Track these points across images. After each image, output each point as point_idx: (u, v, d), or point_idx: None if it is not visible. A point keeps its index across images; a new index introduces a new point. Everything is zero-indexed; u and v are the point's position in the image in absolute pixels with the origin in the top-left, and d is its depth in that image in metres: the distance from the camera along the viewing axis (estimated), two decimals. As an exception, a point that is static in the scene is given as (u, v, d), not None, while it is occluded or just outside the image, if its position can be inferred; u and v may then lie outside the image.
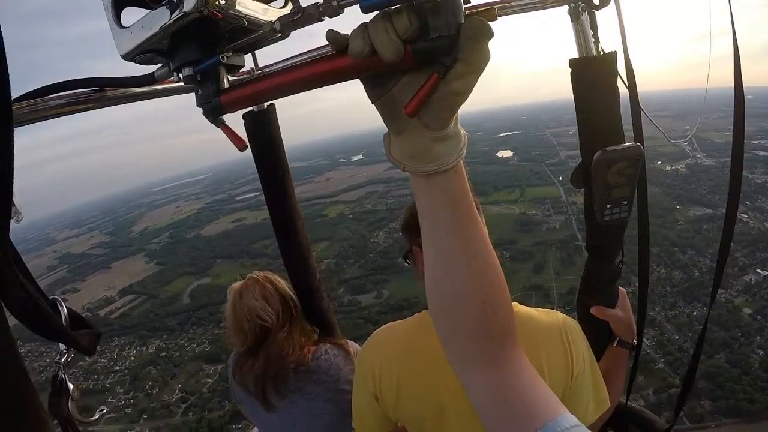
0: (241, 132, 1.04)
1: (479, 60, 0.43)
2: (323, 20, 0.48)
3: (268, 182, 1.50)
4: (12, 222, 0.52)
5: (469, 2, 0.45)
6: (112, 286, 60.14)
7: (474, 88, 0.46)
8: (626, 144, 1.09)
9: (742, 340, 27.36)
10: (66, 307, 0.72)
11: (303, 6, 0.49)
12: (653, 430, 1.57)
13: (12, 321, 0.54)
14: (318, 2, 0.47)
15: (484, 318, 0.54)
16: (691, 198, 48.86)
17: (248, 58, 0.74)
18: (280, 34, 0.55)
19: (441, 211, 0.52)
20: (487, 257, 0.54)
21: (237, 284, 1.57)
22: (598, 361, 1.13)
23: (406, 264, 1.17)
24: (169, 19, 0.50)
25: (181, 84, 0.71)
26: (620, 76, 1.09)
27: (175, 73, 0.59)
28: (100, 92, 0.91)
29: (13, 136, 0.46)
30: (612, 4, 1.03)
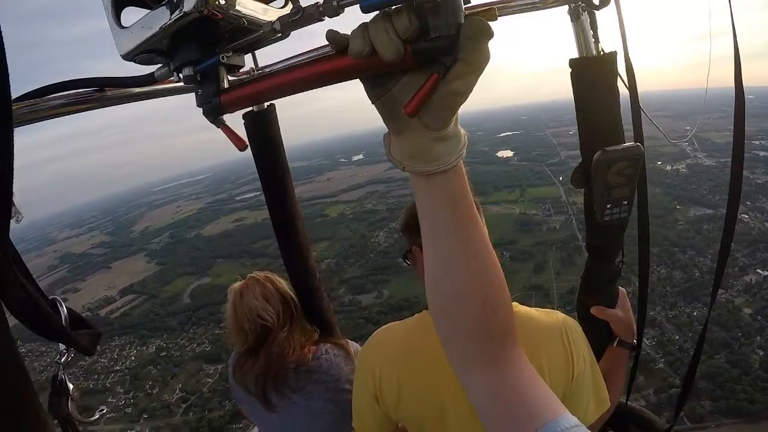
0: (241, 132, 1.04)
1: (479, 60, 0.43)
2: (323, 20, 0.48)
3: (268, 182, 1.50)
4: (12, 222, 0.52)
5: (469, 2, 0.45)
6: (113, 285, 60.15)
7: (474, 88, 0.45)
8: (626, 144, 1.09)
9: (742, 341, 27.33)
10: (66, 307, 0.72)
11: (303, 6, 0.49)
12: (653, 430, 1.57)
13: (12, 321, 0.54)
14: (318, 2, 0.47)
15: (484, 318, 0.54)
16: (692, 198, 48.83)
17: (248, 58, 0.74)
18: (280, 34, 0.55)
19: (441, 211, 0.52)
20: (487, 257, 0.54)
21: (237, 284, 1.57)
22: (598, 361, 1.14)
23: (405, 264, 1.17)
24: (169, 19, 0.50)
25: (181, 84, 0.71)
26: (620, 76, 1.08)
27: (175, 73, 0.59)
28: (100, 92, 0.91)
29: (13, 136, 0.46)
30: (612, 4, 1.03)
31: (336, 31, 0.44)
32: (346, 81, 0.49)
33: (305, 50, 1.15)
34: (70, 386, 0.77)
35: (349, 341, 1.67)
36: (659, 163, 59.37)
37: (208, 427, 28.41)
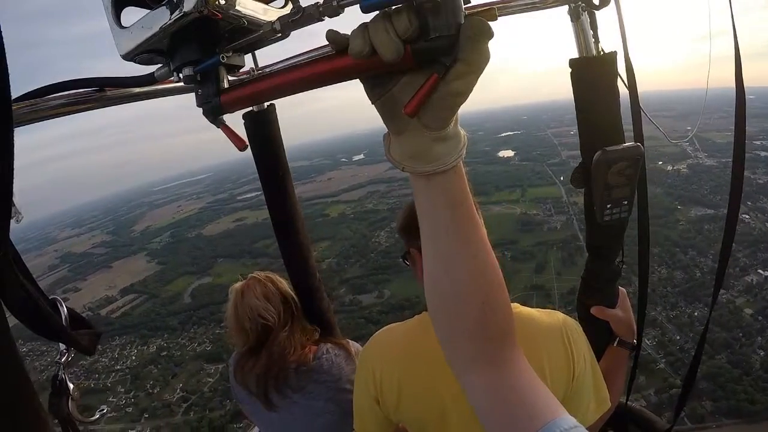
0: (241, 132, 1.04)
1: (479, 60, 0.43)
2: (323, 20, 0.48)
3: (268, 182, 1.50)
4: (12, 222, 0.52)
5: (469, 2, 0.45)
6: (114, 285, 60.21)
7: (474, 88, 0.45)
8: (626, 144, 1.09)
9: (743, 341, 27.31)
10: (66, 307, 0.72)
11: (303, 6, 0.49)
12: (654, 431, 1.57)
13: (12, 321, 0.54)
14: (318, 2, 0.47)
15: (483, 318, 0.54)
16: (693, 198, 48.81)
17: (248, 58, 0.74)
18: (280, 34, 0.55)
19: (441, 212, 0.52)
20: (487, 258, 0.54)
21: (238, 284, 1.58)
22: (598, 361, 1.13)
23: (404, 264, 1.17)
24: (169, 19, 0.50)
25: (181, 84, 0.71)
26: (620, 76, 1.08)
27: (175, 73, 0.59)
28: (100, 92, 0.91)
29: (13, 136, 0.46)
30: (612, 4, 1.03)
31: (336, 31, 0.44)
32: (346, 81, 0.49)
33: (305, 50, 1.15)
34: (71, 386, 0.77)
35: (350, 341, 1.67)
36: (660, 163, 59.32)
37: (209, 427, 28.42)
